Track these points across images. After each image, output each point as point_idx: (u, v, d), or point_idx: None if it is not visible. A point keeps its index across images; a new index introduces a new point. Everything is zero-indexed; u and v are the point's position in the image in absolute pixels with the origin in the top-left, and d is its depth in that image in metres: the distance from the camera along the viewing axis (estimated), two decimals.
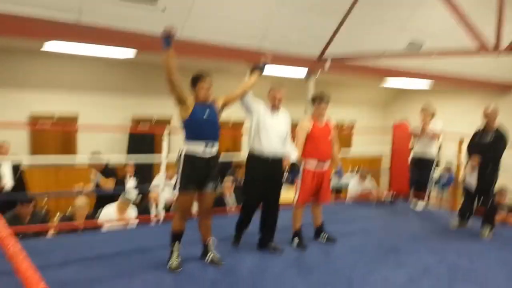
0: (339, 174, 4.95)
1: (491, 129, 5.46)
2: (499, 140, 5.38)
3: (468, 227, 5.72)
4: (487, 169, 5.38)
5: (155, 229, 5.38)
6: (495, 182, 5.51)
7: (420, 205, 6.66)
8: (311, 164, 4.64)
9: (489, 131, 5.47)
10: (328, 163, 4.74)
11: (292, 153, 4.48)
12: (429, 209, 6.69)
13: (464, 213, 5.74)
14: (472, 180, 5.48)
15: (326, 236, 4.91)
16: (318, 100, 4.70)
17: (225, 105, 4.03)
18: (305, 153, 4.64)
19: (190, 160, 3.77)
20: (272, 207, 4.54)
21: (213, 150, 3.83)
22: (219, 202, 6.55)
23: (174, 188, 3.85)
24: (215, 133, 3.86)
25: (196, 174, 3.79)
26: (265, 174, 4.34)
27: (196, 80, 3.86)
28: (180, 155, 3.82)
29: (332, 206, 7.17)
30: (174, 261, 3.90)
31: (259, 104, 4.38)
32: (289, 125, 4.54)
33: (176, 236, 3.98)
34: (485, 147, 5.41)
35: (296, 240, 4.71)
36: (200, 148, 3.76)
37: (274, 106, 4.40)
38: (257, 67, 4.26)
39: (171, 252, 3.95)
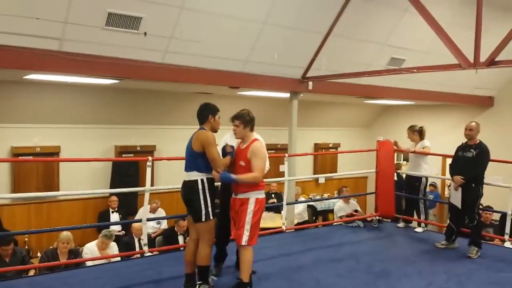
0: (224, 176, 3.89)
1: (473, 144, 5.49)
2: (481, 155, 5.40)
3: (455, 247, 5.67)
4: (471, 185, 5.37)
5: (139, 263, 5.24)
6: (480, 199, 5.51)
7: (419, 228, 6.60)
8: None
9: (471, 146, 5.49)
10: (240, 196, 3.98)
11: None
12: (428, 231, 6.63)
13: (451, 233, 5.70)
14: (457, 198, 5.47)
15: None
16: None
17: None
18: None
19: (212, 186, 3.92)
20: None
21: None
22: None
23: (202, 218, 3.85)
24: None
25: (215, 198, 3.98)
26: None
27: (215, 112, 4.07)
28: (202, 184, 3.87)
29: (320, 230, 7.17)
30: None
31: (225, 140, 4.41)
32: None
33: (208, 271, 4.00)
34: (467, 163, 5.43)
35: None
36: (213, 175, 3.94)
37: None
38: (228, 153, 4.19)
39: None
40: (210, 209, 3.88)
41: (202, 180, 3.89)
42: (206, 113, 4.03)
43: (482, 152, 5.40)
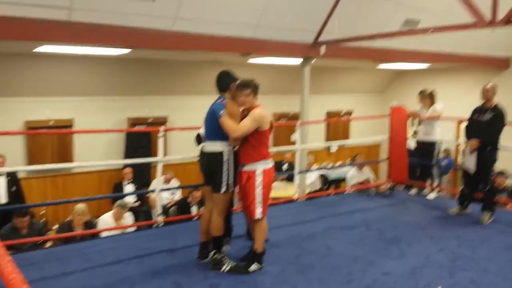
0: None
1: (490, 107, 5.36)
2: (498, 118, 5.29)
3: (468, 213, 5.64)
4: (486, 149, 5.28)
5: (154, 233, 5.33)
6: (494, 163, 5.43)
7: (432, 194, 6.58)
8: None
9: (487, 109, 5.37)
10: (246, 168, 3.90)
11: None
12: (441, 198, 6.60)
13: (463, 199, 5.66)
14: (471, 163, 5.39)
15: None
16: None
17: None
18: None
19: (232, 158, 3.86)
20: None
21: None
22: None
23: (222, 189, 3.85)
24: None
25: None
26: None
27: (236, 80, 3.98)
28: (228, 155, 3.84)
29: (332, 198, 7.19)
30: (230, 264, 3.94)
31: None
32: None
33: (221, 241, 4.02)
34: (483, 125, 5.32)
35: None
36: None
37: None
38: None
39: (221, 259, 3.96)
40: (231, 181, 3.86)
41: (228, 151, 3.84)
42: (228, 81, 3.94)
43: (498, 115, 5.28)
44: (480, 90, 5.46)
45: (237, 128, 3.75)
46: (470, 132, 5.48)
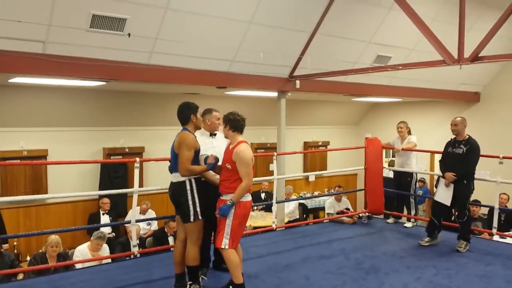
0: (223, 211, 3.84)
1: (462, 140, 5.44)
2: (473, 151, 5.36)
3: (438, 242, 5.68)
4: (462, 181, 5.35)
5: (129, 265, 5.22)
6: (471, 194, 5.50)
7: (409, 223, 6.65)
8: None
9: (461, 142, 5.44)
10: (223, 197, 3.95)
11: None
12: (417, 227, 6.64)
13: (433, 229, 5.66)
14: (447, 195, 5.41)
15: None
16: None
17: None
18: None
19: (200, 185, 3.92)
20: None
21: None
22: None
23: (191, 218, 3.85)
24: None
25: (207, 198, 3.94)
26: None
27: (197, 110, 4.07)
28: (190, 185, 3.88)
29: (310, 227, 7.20)
30: None
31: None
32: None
33: (197, 271, 3.99)
34: (458, 159, 5.38)
35: None
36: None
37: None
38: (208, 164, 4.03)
39: None
40: (198, 209, 3.88)
41: (190, 180, 3.89)
42: (188, 113, 4.00)
43: (472, 148, 5.35)
44: (450, 123, 5.56)
45: (246, 184, 3.84)
46: (446, 165, 5.52)
